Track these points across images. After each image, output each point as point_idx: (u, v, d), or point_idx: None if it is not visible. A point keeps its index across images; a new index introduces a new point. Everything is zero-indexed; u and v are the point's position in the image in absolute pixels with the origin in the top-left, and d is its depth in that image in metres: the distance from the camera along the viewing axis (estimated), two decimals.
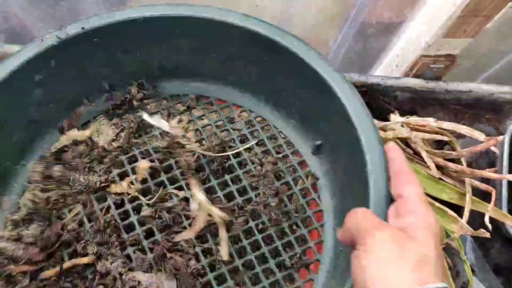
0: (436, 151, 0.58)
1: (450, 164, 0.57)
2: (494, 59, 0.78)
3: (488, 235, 0.49)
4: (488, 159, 0.71)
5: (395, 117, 0.65)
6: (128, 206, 0.48)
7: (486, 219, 0.53)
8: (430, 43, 0.64)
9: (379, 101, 0.67)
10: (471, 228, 0.50)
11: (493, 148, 0.53)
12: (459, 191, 0.55)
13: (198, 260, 0.45)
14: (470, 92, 0.69)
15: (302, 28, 0.74)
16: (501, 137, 0.52)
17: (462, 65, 0.71)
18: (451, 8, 0.58)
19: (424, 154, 0.54)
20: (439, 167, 0.60)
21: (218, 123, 0.56)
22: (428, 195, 0.56)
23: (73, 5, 0.66)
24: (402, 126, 0.60)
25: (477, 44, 0.71)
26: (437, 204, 0.52)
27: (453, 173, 0.59)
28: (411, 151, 0.60)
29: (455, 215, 0.51)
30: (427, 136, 0.54)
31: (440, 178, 0.57)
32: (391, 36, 0.74)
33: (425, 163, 0.59)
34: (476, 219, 0.68)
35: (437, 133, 0.62)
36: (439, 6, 0.61)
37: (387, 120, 0.66)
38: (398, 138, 0.58)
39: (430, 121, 0.58)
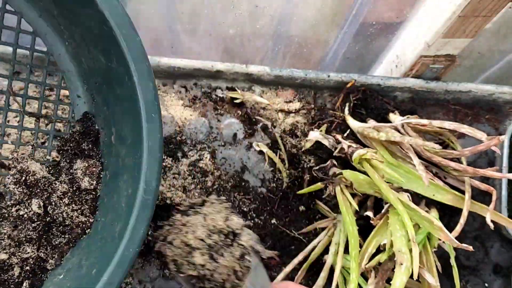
0: (438, 150, 0.58)
1: (452, 163, 0.57)
2: (494, 59, 0.78)
3: (471, 248, 0.49)
4: (487, 159, 0.71)
5: (394, 117, 0.65)
6: None
7: (488, 220, 0.53)
8: (430, 43, 0.64)
9: (379, 101, 0.67)
10: (456, 241, 0.49)
11: (494, 148, 0.53)
12: (454, 193, 0.55)
13: None
14: (469, 92, 0.69)
15: (302, 28, 0.74)
16: (502, 137, 0.52)
17: (462, 65, 0.71)
18: (451, 8, 0.58)
19: (416, 162, 0.54)
20: (439, 166, 0.60)
21: None
22: (423, 196, 0.56)
23: None
24: (403, 126, 0.60)
25: (477, 44, 0.72)
26: (423, 213, 0.52)
27: (454, 172, 0.59)
28: None
29: (440, 225, 0.50)
30: (420, 143, 0.54)
31: (439, 181, 0.57)
32: (390, 36, 0.74)
33: (424, 162, 0.59)
34: (476, 219, 0.68)
35: (437, 133, 0.62)
36: (439, 6, 0.61)
37: (387, 120, 0.66)
38: (390, 141, 0.58)
39: (431, 121, 0.58)
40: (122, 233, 0.38)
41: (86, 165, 0.49)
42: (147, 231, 0.39)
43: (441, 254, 0.58)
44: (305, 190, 0.63)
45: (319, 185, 0.62)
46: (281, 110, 0.68)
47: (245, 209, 0.65)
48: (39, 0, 0.49)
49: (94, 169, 0.49)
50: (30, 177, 0.48)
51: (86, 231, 0.48)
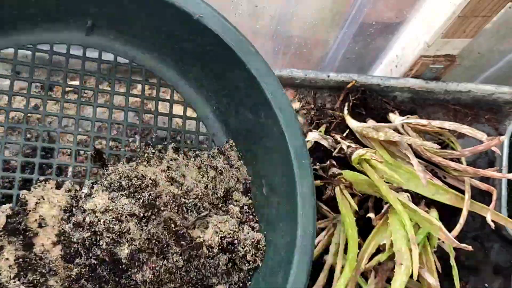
0: (438, 150, 0.58)
1: (452, 164, 0.57)
2: (493, 59, 0.78)
3: (470, 248, 0.49)
4: (487, 159, 0.71)
5: (394, 117, 0.65)
6: None
7: (488, 219, 0.53)
8: (430, 43, 0.64)
9: (378, 101, 0.67)
10: (456, 241, 0.49)
11: (494, 148, 0.53)
12: (454, 193, 0.55)
13: None
14: (469, 92, 0.69)
15: (301, 28, 0.74)
16: (503, 137, 0.52)
17: (462, 65, 0.71)
18: (450, 8, 0.58)
19: (414, 162, 0.54)
20: (439, 166, 0.60)
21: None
22: (422, 196, 0.56)
23: None
24: (402, 126, 0.60)
25: (477, 44, 0.71)
26: (423, 213, 0.52)
27: (454, 173, 0.59)
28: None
29: (440, 225, 0.50)
30: (418, 142, 0.54)
31: (438, 181, 0.57)
32: (390, 36, 0.74)
33: (423, 162, 0.59)
34: (476, 219, 0.68)
35: (436, 133, 0.62)
36: (439, 6, 0.61)
37: (386, 120, 0.66)
38: (389, 141, 0.58)
39: (430, 122, 0.58)
40: (285, 281, 0.40)
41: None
42: (308, 275, 0.40)
43: (441, 254, 0.58)
44: None
45: (318, 182, 0.62)
46: None
47: None
48: (188, 72, 0.52)
49: (249, 222, 0.49)
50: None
51: (247, 284, 0.47)
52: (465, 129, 0.54)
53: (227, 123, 0.53)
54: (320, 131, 0.65)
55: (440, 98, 0.71)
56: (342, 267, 0.58)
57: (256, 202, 0.50)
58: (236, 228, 0.47)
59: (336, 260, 0.57)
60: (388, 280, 0.53)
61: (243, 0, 0.67)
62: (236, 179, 0.50)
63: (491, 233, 0.69)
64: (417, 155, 0.58)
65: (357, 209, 0.56)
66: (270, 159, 0.47)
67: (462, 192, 0.56)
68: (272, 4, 0.68)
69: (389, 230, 0.52)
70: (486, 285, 0.68)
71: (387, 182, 0.55)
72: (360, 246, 0.56)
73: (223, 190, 0.48)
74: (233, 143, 0.51)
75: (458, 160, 0.60)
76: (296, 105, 0.69)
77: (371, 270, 0.54)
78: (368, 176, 0.56)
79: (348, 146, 0.60)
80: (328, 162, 0.62)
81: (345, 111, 0.66)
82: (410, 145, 0.58)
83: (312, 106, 0.69)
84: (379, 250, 0.54)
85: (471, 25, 0.60)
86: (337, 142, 0.63)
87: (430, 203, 0.59)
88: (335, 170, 0.60)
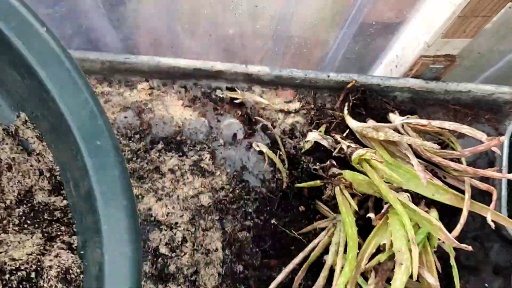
0: (438, 150, 0.58)
1: (452, 164, 0.57)
2: (493, 59, 0.78)
3: (470, 248, 0.49)
4: (487, 159, 0.71)
5: (394, 117, 0.65)
6: None
7: (489, 219, 0.52)
8: (430, 43, 0.64)
9: (378, 101, 0.67)
10: (456, 241, 0.49)
11: (494, 148, 0.53)
12: (454, 193, 0.55)
13: None
14: (469, 92, 0.69)
15: (302, 28, 0.74)
16: (503, 137, 0.52)
17: (462, 65, 0.71)
18: (450, 8, 0.58)
19: (414, 162, 0.54)
20: (439, 166, 0.60)
21: None
22: (423, 196, 0.56)
23: (73, 5, 0.66)
24: (402, 126, 0.60)
25: (477, 44, 0.71)
26: (423, 213, 0.52)
27: (454, 173, 0.59)
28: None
29: (440, 225, 0.50)
30: (418, 142, 0.54)
31: (438, 181, 0.57)
32: (390, 36, 0.74)
33: (423, 162, 0.59)
34: (476, 219, 0.68)
35: (436, 133, 0.62)
36: (439, 6, 0.61)
37: (386, 120, 0.66)
38: (389, 141, 0.58)
39: (430, 122, 0.58)
40: None
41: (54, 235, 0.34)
42: None
43: (441, 254, 0.58)
44: (304, 185, 0.63)
45: (318, 182, 0.62)
46: (281, 110, 0.68)
47: (249, 209, 0.65)
48: None
49: (62, 236, 0.34)
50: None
51: None
52: (465, 129, 0.54)
53: (8, 90, 0.35)
54: (320, 131, 0.65)
55: (440, 98, 0.71)
56: (342, 267, 0.58)
57: (72, 204, 0.34)
58: (39, 250, 0.32)
59: (336, 260, 0.57)
60: (388, 280, 0.53)
61: (243, 0, 0.67)
62: (38, 172, 0.34)
63: (491, 233, 0.69)
64: (417, 155, 0.58)
65: (357, 209, 0.56)
66: (61, 141, 0.32)
67: (462, 192, 0.56)
68: (272, 4, 0.68)
69: (389, 230, 0.52)
70: (486, 285, 0.68)
71: (387, 182, 0.55)
72: (360, 246, 0.56)
73: (16, 194, 0.34)
74: (28, 118, 0.35)
75: (458, 160, 0.60)
76: (296, 105, 0.69)
77: (371, 270, 0.54)
78: (368, 176, 0.56)
79: (348, 146, 0.60)
80: (328, 162, 0.62)
81: (345, 111, 0.66)
82: (410, 145, 0.58)
83: (312, 106, 0.69)
84: (379, 250, 0.54)
85: (471, 25, 0.60)
86: (337, 142, 0.63)
87: (430, 203, 0.59)
88: (335, 170, 0.60)
